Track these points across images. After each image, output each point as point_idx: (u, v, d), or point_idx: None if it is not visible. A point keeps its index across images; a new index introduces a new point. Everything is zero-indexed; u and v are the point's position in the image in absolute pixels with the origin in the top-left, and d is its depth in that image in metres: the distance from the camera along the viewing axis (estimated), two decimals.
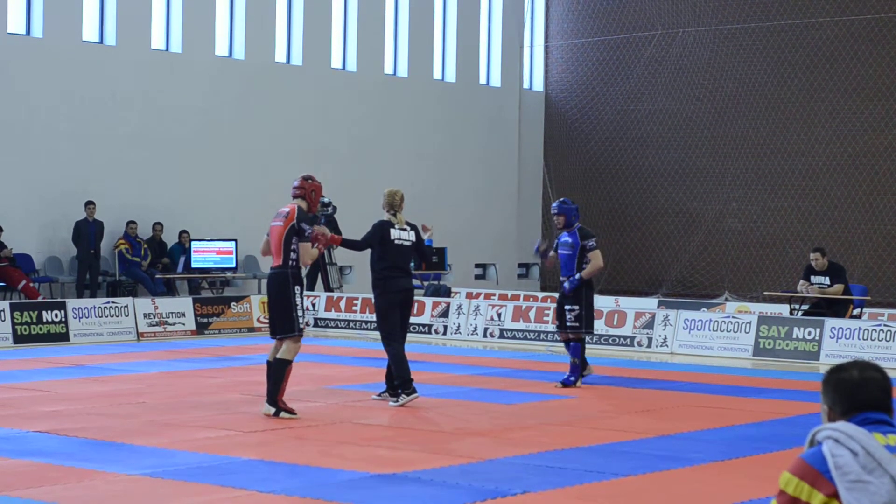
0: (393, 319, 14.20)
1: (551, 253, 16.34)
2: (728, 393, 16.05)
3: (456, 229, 31.06)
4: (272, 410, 13.03)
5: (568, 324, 15.97)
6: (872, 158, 30.14)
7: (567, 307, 15.94)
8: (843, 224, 30.29)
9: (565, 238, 15.99)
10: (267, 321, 23.68)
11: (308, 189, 13.33)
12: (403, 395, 13.99)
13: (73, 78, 25.59)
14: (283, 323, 13.14)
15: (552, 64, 35.14)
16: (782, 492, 4.25)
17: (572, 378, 15.93)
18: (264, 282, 27.45)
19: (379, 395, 14.58)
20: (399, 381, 14.05)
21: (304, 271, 15.04)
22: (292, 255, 13.08)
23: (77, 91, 25.62)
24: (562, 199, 16.41)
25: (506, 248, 33.52)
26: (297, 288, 13.10)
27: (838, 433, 4.22)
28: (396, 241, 14.15)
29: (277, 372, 13.10)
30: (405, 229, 14.27)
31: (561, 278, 16.19)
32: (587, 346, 17.06)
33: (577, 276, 15.79)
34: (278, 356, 13.16)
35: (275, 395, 13.09)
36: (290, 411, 13.09)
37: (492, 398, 14.96)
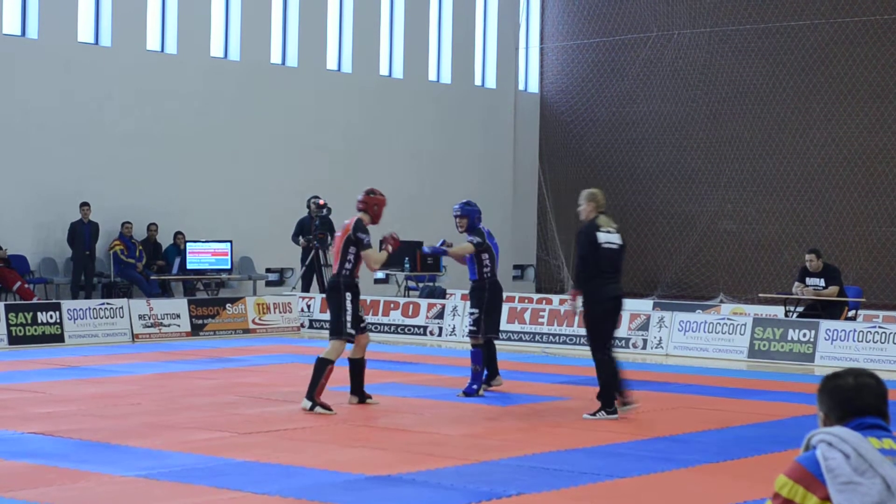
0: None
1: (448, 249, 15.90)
2: (723, 395, 16.06)
3: (451, 231, 30.98)
4: (309, 405, 13.51)
5: (468, 328, 15.55)
6: (867, 160, 30.17)
7: (469, 310, 15.53)
8: (838, 226, 30.31)
9: (438, 248, 15.77)
10: (262, 323, 23.88)
11: (370, 203, 14.07)
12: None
13: (69, 79, 25.58)
14: (333, 325, 13.86)
15: (547, 66, 35.15)
16: (777, 494, 4.28)
17: (474, 386, 15.22)
18: (259, 283, 27.78)
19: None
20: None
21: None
22: (346, 266, 13.78)
23: (72, 92, 25.61)
24: (465, 201, 15.78)
25: (501, 249, 33.46)
26: (349, 294, 13.77)
27: (831, 436, 4.27)
28: None
29: (318, 370, 13.63)
30: None
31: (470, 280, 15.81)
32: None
33: (444, 248, 15.72)
34: (321, 355, 13.74)
35: (312, 391, 13.59)
36: (326, 407, 13.48)
37: (487, 400, 14.97)
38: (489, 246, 15.48)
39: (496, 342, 15.78)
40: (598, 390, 13.53)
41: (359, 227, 13.80)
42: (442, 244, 16.06)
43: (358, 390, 14.25)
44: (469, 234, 15.48)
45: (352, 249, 13.78)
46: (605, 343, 13.49)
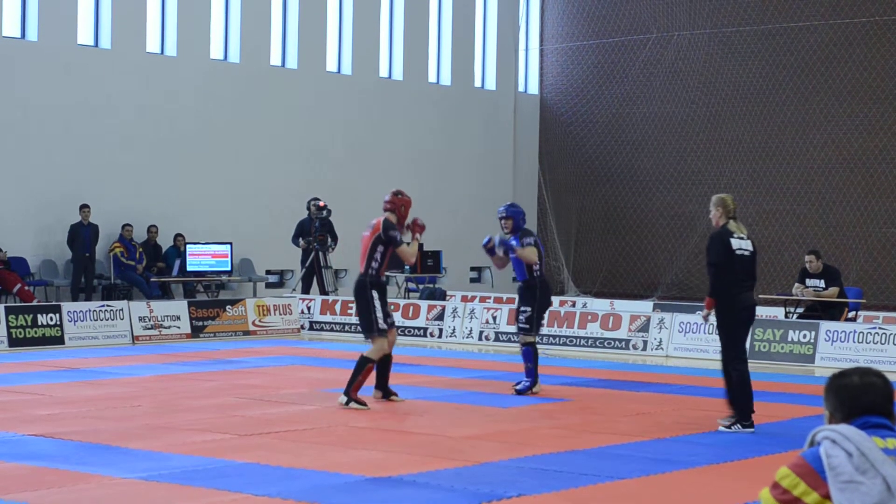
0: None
1: (500, 254, 16.06)
2: (723, 396, 16.03)
3: (451, 232, 31.08)
4: (344, 400, 13.95)
5: (519, 325, 15.71)
6: (866, 161, 30.18)
7: (521, 308, 15.68)
8: (838, 227, 30.32)
9: (512, 242, 15.91)
10: (262, 325, 23.88)
11: (397, 204, 14.41)
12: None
13: (69, 81, 25.59)
14: (363, 324, 14.26)
15: (547, 67, 35.16)
16: (776, 484, 4.31)
17: (527, 383, 15.49)
18: (259, 285, 27.78)
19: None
20: None
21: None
22: (373, 264, 14.14)
23: (72, 94, 25.62)
24: (510, 203, 16.08)
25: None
26: (375, 292, 14.11)
27: (836, 434, 4.28)
28: None
29: (358, 367, 14.04)
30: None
31: (517, 282, 16.03)
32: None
33: (514, 242, 15.50)
34: (364, 354, 14.12)
35: (349, 387, 13.98)
36: (361, 403, 13.87)
37: (487, 401, 14.96)
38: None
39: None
40: (734, 402, 13.00)
41: (389, 226, 14.14)
42: (489, 242, 16.11)
43: (383, 386, 14.58)
44: (514, 235, 15.68)
45: (380, 248, 14.11)
46: (742, 353, 13.02)
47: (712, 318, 13.13)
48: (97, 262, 25.48)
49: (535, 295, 15.62)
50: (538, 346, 15.98)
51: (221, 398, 14.77)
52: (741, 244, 13.03)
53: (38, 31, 25.28)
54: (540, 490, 9.52)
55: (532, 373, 15.56)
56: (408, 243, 14.39)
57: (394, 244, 14.13)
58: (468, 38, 33.62)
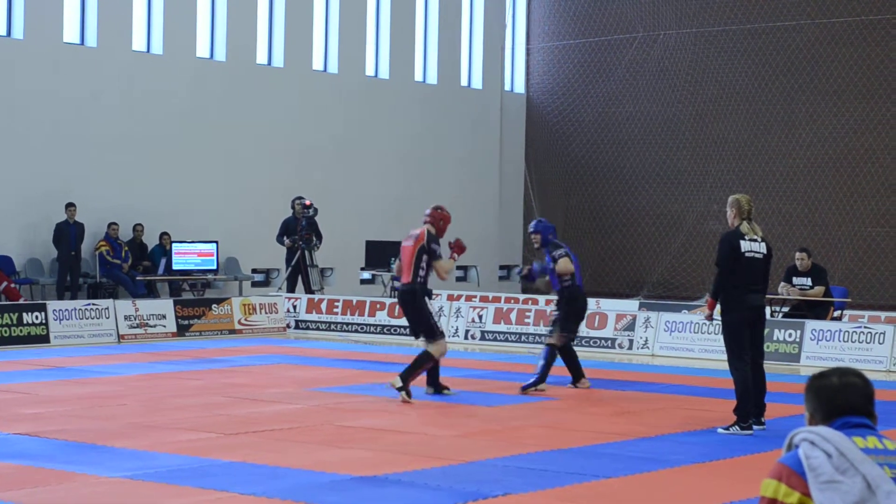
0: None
1: (542, 280, 16.66)
2: (709, 395, 16.10)
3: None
4: (399, 384, 14.45)
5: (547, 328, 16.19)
6: (853, 161, 30.23)
7: (552, 312, 16.29)
8: (824, 226, 30.37)
9: (547, 258, 16.18)
10: (248, 323, 23.85)
11: (437, 218, 15.21)
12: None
13: (54, 79, 25.53)
14: (425, 331, 14.86)
15: (534, 66, 35.16)
16: (763, 497, 4.30)
17: (532, 380, 15.72)
18: (245, 283, 27.75)
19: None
20: None
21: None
22: (420, 273, 14.82)
23: (58, 92, 25.56)
24: (538, 219, 16.65)
25: (487, 250, 33.52)
26: (426, 299, 15.01)
27: (814, 435, 4.28)
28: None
29: (418, 359, 14.72)
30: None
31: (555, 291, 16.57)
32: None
33: (550, 266, 16.02)
34: (428, 349, 14.79)
35: (407, 376, 14.55)
36: (409, 395, 14.42)
37: (473, 400, 14.98)
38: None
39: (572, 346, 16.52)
40: (735, 403, 12.93)
41: (432, 238, 14.86)
42: (522, 271, 17.04)
43: (434, 382, 15.16)
44: (546, 248, 16.14)
45: (424, 258, 14.76)
46: (744, 354, 12.86)
47: (716, 317, 13.18)
48: (83, 261, 25.43)
49: (561, 304, 16.15)
50: (575, 347, 16.70)
51: (207, 397, 14.75)
52: (752, 246, 12.91)
53: (24, 29, 25.21)
54: (525, 489, 9.53)
55: (541, 370, 15.76)
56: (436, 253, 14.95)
57: (433, 257, 14.77)
58: (454, 37, 33.61)
